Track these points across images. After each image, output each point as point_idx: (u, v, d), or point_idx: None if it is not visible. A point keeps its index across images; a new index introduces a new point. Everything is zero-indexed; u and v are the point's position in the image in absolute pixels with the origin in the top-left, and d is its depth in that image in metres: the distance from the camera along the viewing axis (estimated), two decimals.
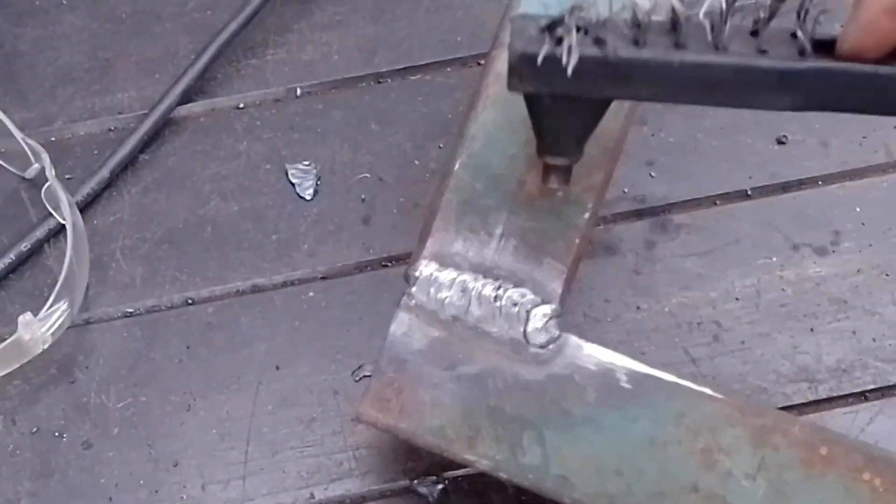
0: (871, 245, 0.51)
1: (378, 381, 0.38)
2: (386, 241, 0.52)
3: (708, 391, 0.37)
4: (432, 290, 0.38)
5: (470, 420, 0.38)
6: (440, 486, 0.46)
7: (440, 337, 0.38)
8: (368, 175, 0.53)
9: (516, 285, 0.39)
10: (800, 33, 0.34)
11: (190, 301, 0.51)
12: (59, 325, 0.47)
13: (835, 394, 0.48)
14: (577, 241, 0.39)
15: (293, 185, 0.53)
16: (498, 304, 0.38)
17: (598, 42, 0.33)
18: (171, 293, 0.51)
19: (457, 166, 0.39)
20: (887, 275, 0.50)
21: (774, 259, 0.51)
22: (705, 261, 0.51)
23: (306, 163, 0.54)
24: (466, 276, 0.38)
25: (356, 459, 0.47)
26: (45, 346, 0.47)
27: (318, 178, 0.53)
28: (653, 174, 0.53)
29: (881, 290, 0.50)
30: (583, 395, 0.37)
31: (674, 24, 0.34)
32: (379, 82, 0.56)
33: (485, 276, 0.39)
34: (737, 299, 0.50)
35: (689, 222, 0.52)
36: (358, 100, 0.55)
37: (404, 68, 0.56)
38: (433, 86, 0.56)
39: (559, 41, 0.33)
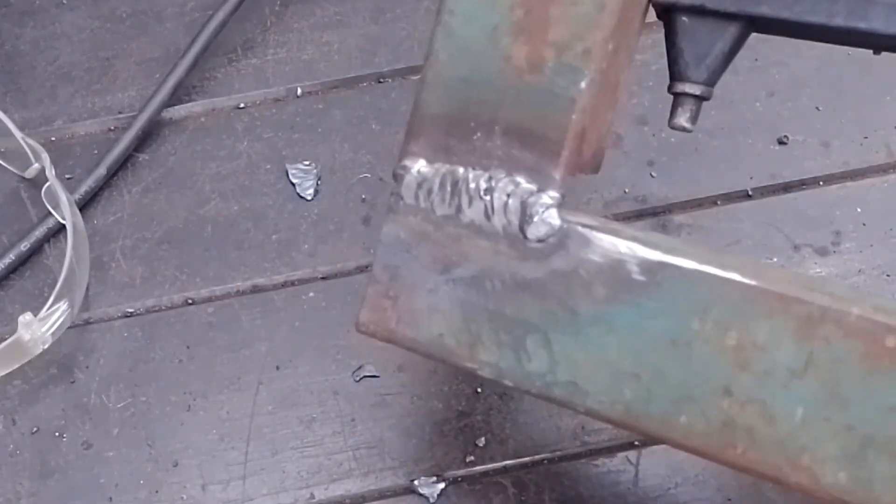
0: (872, 245, 0.51)
1: (373, 290, 0.35)
2: None
3: (737, 276, 0.32)
4: (421, 189, 0.35)
5: (469, 325, 0.34)
6: (440, 486, 0.46)
7: (433, 238, 0.35)
8: (369, 175, 0.53)
9: (509, 174, 0.34)
10: None
11: (190, 301, 0.51)
12: (60, 325, 0.47)
13: None
14: (573, 116, 0.33)
15: (293, 184, 0.53)
16: (491, 196, 0.35)
17: None
18: (172, 293, 0.51)
19: (435, 46, 0.34)
20: (888, 275, 0.50)
21: (775, 259, 0.51)
22: None
23: (307, 163, 0.54)
24: (456, 169, 0.34)
25: (356, 460, 0.47)
26: (45, 346, 0.47)
27: (319, 178, 0.53)
28: (653, 174, 0.53)
29: (882, 290, 0.50)
30: (590, 291, 0.33)
31: None
32: (380, 82, 0.56)
33: (475, 168, 0.35)
34: None
35: (689, 222, 0.52)
36: (358, 99, 0.55)
37: (405, 68, 0.56)
38: None
39: None
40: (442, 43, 0.34)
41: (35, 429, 0.48)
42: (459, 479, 0.47)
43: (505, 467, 0.47)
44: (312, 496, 0.46)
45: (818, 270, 0.51)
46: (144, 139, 0.54)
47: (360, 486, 0.47)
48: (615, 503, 0.46)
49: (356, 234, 0.52)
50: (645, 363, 0.32)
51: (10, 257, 0.50)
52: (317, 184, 0.53)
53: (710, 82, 0.37)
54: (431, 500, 0.46)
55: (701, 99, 0.37)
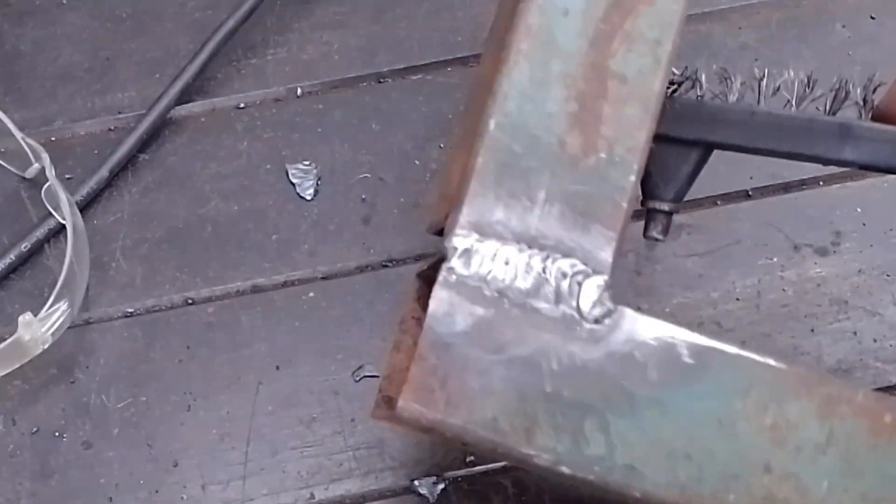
0: (872, 246, 0.51)
1: (419, 369, 0.33)
2: (386, 241, 0.52)
3: (771, 361, 0.35)
4: (473, 264, 0.34)
5: (525, 408, 0.34)
6: (440, 486, 0.46)
7: (485, 316, 0.34)
8: (369, 175, 0.53)
9: (564, 255, 0.35)
10: (859, 100, 0.41)
11: (190, 301, 0.51)
12: (60, 325, 0.47)
13: None
14: (624, 204, 0.35)
15: (293, 184, 0.53)
16: (546, 276, 0.35)
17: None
18: (172, 293, 0.51)
19: (491, 126, 0.35)
20: (888, 275, 0.50)
21: (775, 259, 0.51)
22: (706, 261, 0.51)
23: (307, 163, 0.54)
24: (510, 247, 0.34)
25: (356, 460, 0.47)
26: (45, 346, 0.47)
27: (319, 178, 0.53)
28: None
29: (882, 290, 0.50)
30: (645, 374, 0.34)
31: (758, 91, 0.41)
32: (380, 82, 0.56)
33: (529, 247, 0.35)
34: (737, 300, 0.50)
35: (690, 222, 0.52)
36: (358, 100, 0.55)
37: (405, 68, 0.56)
38: (434, 86, 0.56)
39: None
40: (498, 121, 0.35)
41: (35, 429, 0.48)
42: (459, 479, 0.47)
43: (505, 467, 0.47)
44: (312, 496, 0.46)
45: (818, 271, 0.51)
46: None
47: (360, 487, 0.47)
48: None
49: (356, 234, 0.52)
50: (695, 443, 0.34)
51: (10, 257, 0.50)
52: (317, 184, 0.53)
53: (678, 199, 0.41)
54: (431, 501, 0.46)
55: (670, 213, 0.42)
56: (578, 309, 0.35)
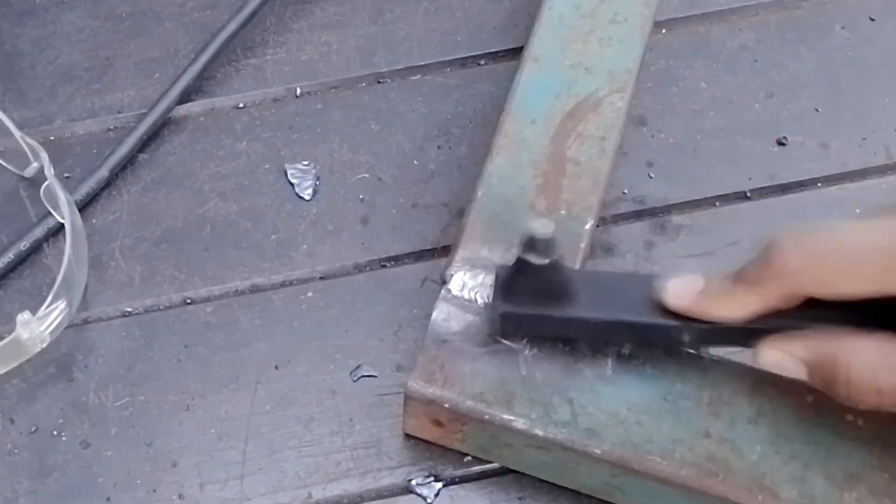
0: None
1: (424, 358, 0.44)
2: (385, 241, 0.52)
3: (706, 356, 0.44)
4: (465, 286, 0.46)
5: (506, 387, 0.43)
6: (438, 486, 0.46)
7: (474, 321, 0.45)
8: (367, 175, 0.53)
9: None
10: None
11: (188, 301, 0.51)
12: (58, 325, 0.47)
13: None
14: (581, 245, 0.47)
15: (292, 184, 0.53)
16: None
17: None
18: (170, 293, 0.51)
19: (479, 195, 0.48)
20: None
21: None
22: (705, 262, 0.51)
23: (305, 163, 0.54)
24: (490, 275, 0.45)
25: (354, 459, 0.47)
26: (44, 345, 0.47)
27: (318, 178, 0.53)
28: (652, 175, 0.53)
29: None
30: (601, 364, 0.44)
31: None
32: (378, 82, 0.56)
33: None
34: None
35: (688, 223, 0.52)
36: (357, 100, 0.55)
37: (404, 68, 0.56)
38: (433, 86, 0.56)
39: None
40: (484, 191, 0.48)
41: (33, 428, 0.48)
42: (457, 479, 0.47)
43: (503, 468, 0.47)
44: (310, 496, 0.46)
45: None
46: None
47: (357, 486, 0.47)
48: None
49: (355, 233, 0.52)
50: (644, 414, 0.43)
51: (9, 256, 0.50)
52: (315, 184, 0.53)
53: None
54: (429, 500, 0.46)
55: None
56: None
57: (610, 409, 0.43)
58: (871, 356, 0.39)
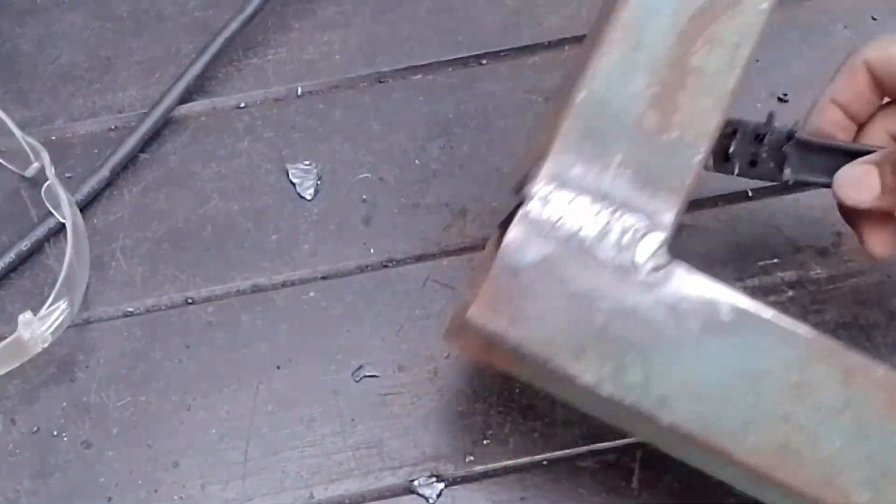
0: None
1: (490, 287, 0.38)
2: (386, 241, 0.52)
3: (802, 330, 0.39)
4: (548, 209, 0.39)
5: (576, 336, 0.38)
6: (440, 487, 0.46)
7: (552, 253, 0.39)
8: (369, 175, 0.53)
9: (631, 212, 0.39)
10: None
11: (190, 300, 0.51)
12: (59, 325, 0.47)
13: None
14: (689, 179, 0.40)
15: (294, 184, 0.53)
16: (611, 227, 0.39)
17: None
18: (172, 293, 0.51)
19: (579, 99, 0.40)
20: (889, 276, 0.50)
21: (775, 260, 0.51)
22: (706, 262, 0.51)
23: (307, 162, 0.54)
24: (583, 199, 0.39)
25: (356, 460, 0.47)
26: (45, 346, 0.47)
27: (319, 178, 0.53)
28: None
29: (882, 291, 0.50)
30: (686, 324, 0.39)
31: None
32: (380, 82, 0.56)
33: (601, 201, 0.39)
34: None
35: (690, 223, 0.52)
36: (359, 99, 0.55)
37: (405, 68, 0.56)
38: (434, 86, 0.56)
39: None
40: (585, 95, 0.40)
41: (35, 428, 0.48)
42: (459, 479, 0.47)
43: (505, 467, 0.47)
44: (312, 496, 0.46)
45: (819, 271, 0.51)
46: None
47: (359, 486, 0.47)
48: None
49: (356, 233, 0.52)
50: (723, 388, 0.38)
51: (11, 256, 0.50)
52: (317, 183, 0.53)
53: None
54: (431, 501, 0.46)
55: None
56: (634, 259, 0.39)
57: (687, 377, 0.38)
58: None
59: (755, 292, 0.50)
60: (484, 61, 0.56)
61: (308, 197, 0.53)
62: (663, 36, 0.41)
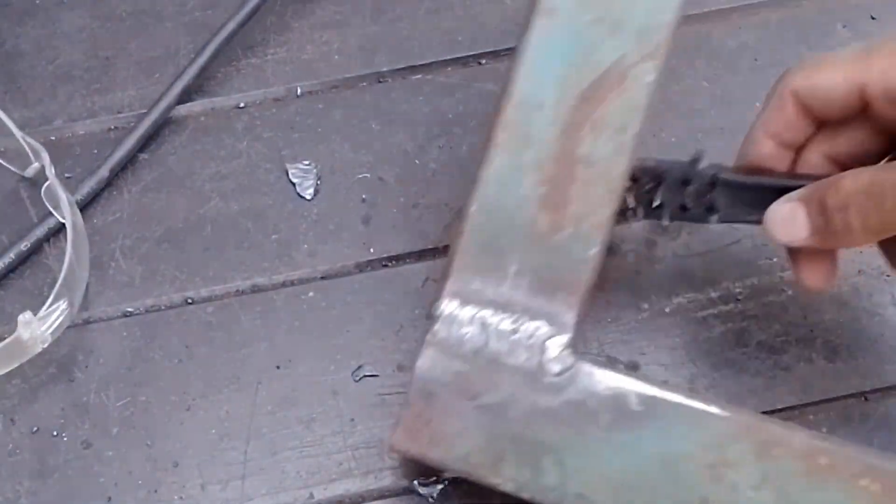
0: (872, 246, 0.51)
1: (408, 413, 0.40)
2: (386, 240, 0.52)
3: (714, 409, 0.39)
4: (454, 327, 0.40)
5: (493, 446, 0.40)
6: (440, 486, 0.46)
7: (462, 370, 0.40)
8: (369, 175, 0.53)
9: (532, 319, 0.40)
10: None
11: (189, 301, 0.51)
12: (59, 325, 0.47)
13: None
14: (586, 274, 0.40)
15: (293, 184, 0.53)
16: (515, 337, 0.40)
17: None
18: (171, 293, 0.51)
19: (472, 209, 0.41)
20: (888, 276, 0.50)
21: (775, 259, 0.51)
22: (706, 261, 0.51)
23: (306, 162, 0.54)
24: (485, 312, 0.40)
25: (356, 460, 0.47)
26: (45, 346, 0.47)
27: (319, 178, 0.53)
28: None
29: (882, 291, 0.50)
30: (597, 419, 0.39)
31: None
32: (380, 82, 0.56)
33: (502, 311, 0.40)
34: (738, 300, 0.50)
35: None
36: (358, 99, 0.55)
37: (405, 68, 0.56)
38: (434, 85, 0.56)
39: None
40: (479, 205, 0.40)
41: (34, 428, 0.48)
42: (459, 479, 0.47)
43: None
44: (312, 496, 0.46)
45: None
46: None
47: (359, 486, 0.47)
48: None
49: (356, 233, 0.52)
50: (640, 478, 0.39)
51: (10, 256, 0.50)
52: (317, 183, 0.53)
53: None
54: (431, 500, 0.46)
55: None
56: (542, 364, 0.40)
57: (603, 471, 0.39)
58: (867, 176, 0.39)
59: (755, 292, 0.50)
60: (484, 61, 0.56)
61: (308, 197, 0.53)
62: (548, 130, 0.40)
